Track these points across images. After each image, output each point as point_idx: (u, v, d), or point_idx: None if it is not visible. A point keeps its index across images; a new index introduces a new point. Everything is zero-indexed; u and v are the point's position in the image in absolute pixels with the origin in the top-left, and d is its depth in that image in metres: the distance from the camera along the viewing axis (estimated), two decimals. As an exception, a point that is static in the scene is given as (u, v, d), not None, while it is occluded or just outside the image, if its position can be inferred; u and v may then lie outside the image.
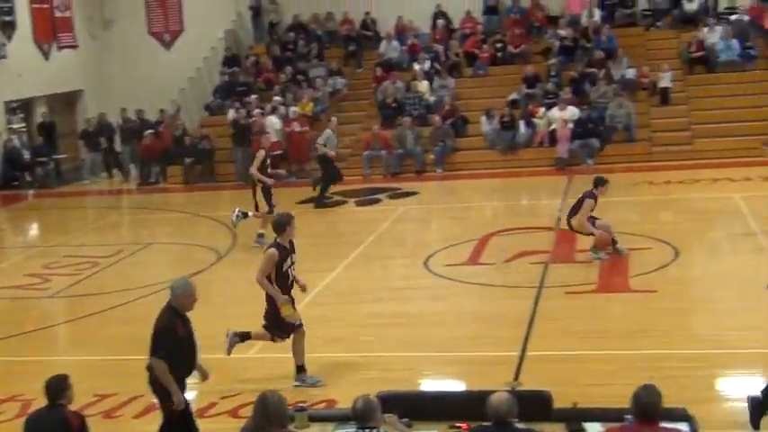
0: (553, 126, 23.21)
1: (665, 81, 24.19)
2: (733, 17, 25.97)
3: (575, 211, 14.13)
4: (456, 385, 9.95)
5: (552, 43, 26.35)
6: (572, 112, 23.15)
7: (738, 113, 23.17)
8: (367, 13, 28.71)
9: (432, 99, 25.48)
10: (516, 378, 9.69)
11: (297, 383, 9.80)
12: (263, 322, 9.90)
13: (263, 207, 16.18)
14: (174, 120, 26.58)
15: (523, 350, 10.57)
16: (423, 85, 25.72)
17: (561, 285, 12.97)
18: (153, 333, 7.63)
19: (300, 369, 9.87)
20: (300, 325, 9.82)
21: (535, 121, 23.72)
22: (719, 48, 24.92)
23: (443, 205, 20.70)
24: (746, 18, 25.84)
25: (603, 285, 13.06)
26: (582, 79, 24.76)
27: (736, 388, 9.50)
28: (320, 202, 20.15)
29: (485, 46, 26.97)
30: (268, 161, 16.51)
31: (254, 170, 16.18)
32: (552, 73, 25.13)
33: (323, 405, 9.11)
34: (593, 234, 13.95)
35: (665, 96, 24.20)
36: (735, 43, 24.90)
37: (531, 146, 23.71)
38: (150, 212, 22.19)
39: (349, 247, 16.10)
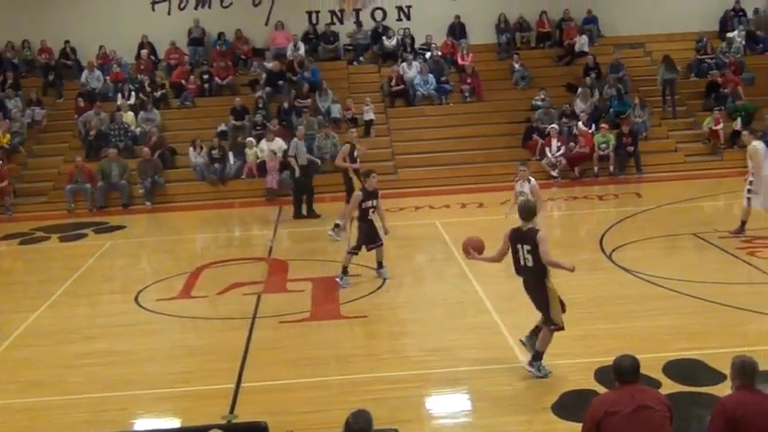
0: (262, 157, 23.34)
1: (368, 114, 25.06)
2: (428, 54, 27.40)
3: None
4: (170, 423, 9.67)
5: (259, 75, 26.59)
6: (279, 143, 23.41)
7: (437, 144, 24.47)
8: (66, 42, 27.64)
9: (138, 130, 24.90)
10: (232, 411, 9.59)
11: None
12: None
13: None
14: None
15: (239, 382, 10.48)
16: (128, 116, 25.09)
17: (275, 315, 13.01)
18: None
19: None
20: None
21: (245, 151, 23.77)
22: (417, 82, 26.22)
23: (153, 238, 20.22)
24: (440, 54, 27.36)
25: (316, 313, 13.22)
26: (289, 111, 25.14)
27: (444, 407, 9.94)
28: (311, 213, 20.29)
29: (191, 77, 26.76)
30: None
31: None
32: (260, 105, 25.33)
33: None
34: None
35: (368, 128, 25.05)
36: (431, 78, 26.29)
37: (241, 177, 23.72)
38: None
39: (53, 285, 15.32)
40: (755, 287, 13.63)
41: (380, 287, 14.29)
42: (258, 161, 23.45)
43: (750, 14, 28.83)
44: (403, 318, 13.08)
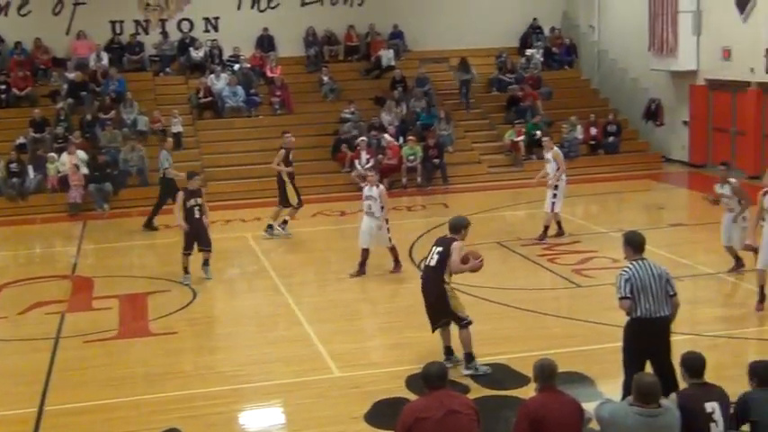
0: (64, 171, 22.51)
1: (176, 126, 24.64)
2: (237, 66, 27.22)
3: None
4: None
5: (60, 86, 25.67)
6: (82, 156, 22.65)
7: (246, 157, 24.29)
8: None
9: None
10: (36, 436, 9.21)
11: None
12: None
13: None
14: None
15: (41, 406, 10.05)
16: None
17: (80, 334, 12.56)
18: None
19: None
20: None
21: (47, 165, 22.85)
22: (226, 94, 25.99)
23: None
24: (249, 66, 27.23)
25: (124, 331, 12.86)
26: (92, 123, 24.38)
27: (259, 421, 9.89)
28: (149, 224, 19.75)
29: (-13, 88, 25.53)
30: None
31: None
32: (61, 117, 24.43)
33: None
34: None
35: (177, 141, 24.62)
36: (240, 90, 26.13)
37: (42, 191, 22.78)
38: None
39: None
40: (556, 292, 14.27)
41: (191, 302, 14.05)
42: (60, 175, 22.58)
43: (547, 32, 30.19)
44: (215, 332, 12.93)
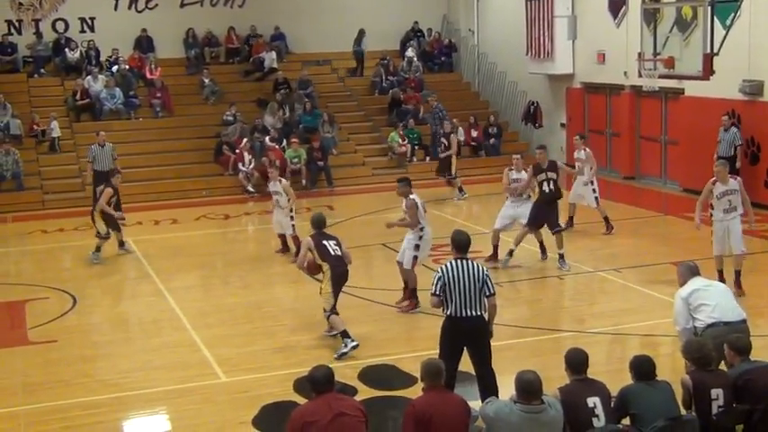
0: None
1: (53, 129, 23.99)
2: (114, 67, 26.64)
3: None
4: None
5: None
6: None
7: (126, 160, 23.74)
8: None
9: None
10: None
11: None
12: None
13: None
14: None
15: None
16: None
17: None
18: None
19: None
20: None
21: None
22: (104, 96, 25.43)
23: None
24: (127, 67, 26.70)
25: (1, 340, 12.44)
26: (-37, 126, 23.53)
27: (142, 429, 9.72)
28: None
29: None
30: None
31: None
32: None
33: None
34: None
35: (53, 144, 23.98)
36: (118, 92, 25.60)
37: None
38: None
39: None
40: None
41: (71, 309, 13.69)
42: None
43: (427, 35, 30.53)
44: (96, 340, 12.62)
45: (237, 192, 23.36)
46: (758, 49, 19.16)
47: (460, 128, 25.65)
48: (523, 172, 15.64)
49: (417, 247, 13.01)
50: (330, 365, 7.21)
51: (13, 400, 10.24)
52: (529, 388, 6.85)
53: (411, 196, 13.04)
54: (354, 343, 11.14)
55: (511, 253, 15.29)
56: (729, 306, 8.79)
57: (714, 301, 8.74)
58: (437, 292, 8.79)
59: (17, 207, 21.68)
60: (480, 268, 8.86)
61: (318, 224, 11.87)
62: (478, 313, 8.76)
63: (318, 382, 6.89)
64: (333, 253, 11.52)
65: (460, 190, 22.19)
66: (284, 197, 16.25)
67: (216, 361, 11.21)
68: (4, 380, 10.89)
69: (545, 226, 15.20)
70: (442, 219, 18.94)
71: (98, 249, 16.61)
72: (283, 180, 16.86)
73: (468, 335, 8.81)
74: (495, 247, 15.46)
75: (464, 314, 8.72)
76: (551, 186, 15.17)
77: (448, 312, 8.82)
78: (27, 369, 11.30)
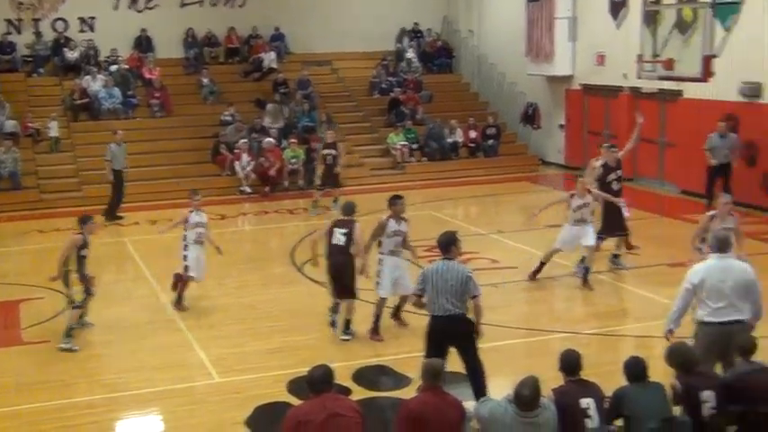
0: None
1: (52, 128, 23.96)
2: (113, 67, 26.62)
3: None
4: None
5: None
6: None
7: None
8: None
9: None
10: None
11: None
12: None
13: None
14: None
15: None
16: None
17: (-52, 344, 12.07)
18: None
19: None
20: None
21: None
22: (102, 96, 25.40)
23: None
24: (126, 67, 26.68)
25: (-5, 340, 12.44)
26: (-40, 125, 23.50)
27: (137, 428, 9.71)
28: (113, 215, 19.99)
29: None
30: None
31: None
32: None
33: None
34: None
35: (53, 144, 23.95)
36: (116, 91, 25.57)
37: None
38: None
39: None
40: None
41: (65, 310, 13.64)
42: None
43: (426, 36, 30.52)
44: (90, 340, 12.56)
45: (233, 192, 23.32)
46: (757, 51, 19.14)
47: (458, 129, 25.65)
48: (588, 196, 14.14)
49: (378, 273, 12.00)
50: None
51: (10, 400, 10.23)
52: (526, 401, 6.80)
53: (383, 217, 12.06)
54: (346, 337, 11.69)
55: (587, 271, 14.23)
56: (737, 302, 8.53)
57: (724, 300, 8.50)
58: (418, 292, 9.03)
59: (13, 206, 21.64)
60: (463, 269, 8.97)
61: (344, 210, 12.14)
62: (460, 312, 8.86)
63: (315, 382, 6.83)
64: (333, 242, 11.78)
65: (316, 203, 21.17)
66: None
67: (210, 361, 11.20)
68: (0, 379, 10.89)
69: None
70: (438, 219, 18.90)
71: (69, 333, 11.98)
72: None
73: (451, 334, 8.91)
74: (543, 264, 14.49)
75: (445, 313, 8.84)
76: (620, 185, 14.88)
77: (433, 312, 8.95)
78: (22, 369, 11.28)
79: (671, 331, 8.73)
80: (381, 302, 12.04)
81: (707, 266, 8.66)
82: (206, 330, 12.51)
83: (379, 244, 11.95)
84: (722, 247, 8.70)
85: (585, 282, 13.96)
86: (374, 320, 12.00)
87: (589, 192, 14.12)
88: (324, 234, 12.01)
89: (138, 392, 10.33)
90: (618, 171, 14.88)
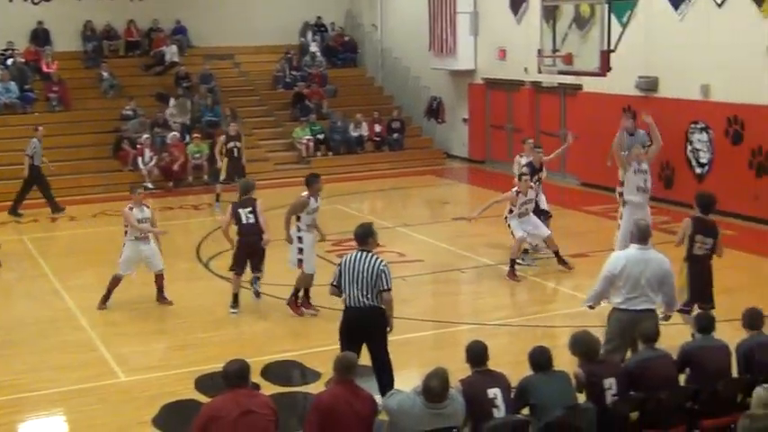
0: None
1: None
2: (9, 61, 25.91)
3: None
4: None
5: None
6: None
7: (20, 156, 22.98)
8: None
9: None
10: None
11: None
12: None
13: None
14: None
15: None
16: None
17: None
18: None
19: None
20: None
21: None
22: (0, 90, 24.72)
23: None
24: (23, 61, 26.01)
25: None
26: None
27: (41, 430, 9.48)
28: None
29: None
30: None
31: None
32: None
33: None
34: None
35: (-57, 139, 23.22)
36: (13, 86, 24.91)
37: None
38: None
39: None
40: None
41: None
42: None
43: (330, 30, 30.51)
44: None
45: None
46: (653, 46, 19.66)
47: (364, 123, 25.70)
48: (531, 192, 14.55)
49: (300, 250, 12.43)
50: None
51: None
52: (434, 392, 6.86)
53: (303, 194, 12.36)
54: (234, 311, 12.54)
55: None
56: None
57: (638, 290, 8.88)
58: (334, 282, 9.06)
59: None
60: (377, 261, 8.95)
61: (243, 190, 12.84)
62: (372, 304, 8.88)
63: (230, 377, 6.76)
64: (243, 222, 12.48)
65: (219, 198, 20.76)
66: None
67: (115, 360, 11.02)
68: None
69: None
70: (345, 213, 18.94)
71: None
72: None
73: (362, 325, 8.93)
74: (557, 253, 14.60)
75: (358, 304, 8.88)
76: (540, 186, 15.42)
77: (346, 302, 9.00)
78: None
79: (591, 307, 9.44)
80: (309, 278, 12.48)
81: (627, 256, 9.09)
82: (110, 328, 12.31)
83: (298, 219, 12.33)
84: (642, 237, 9.09)
85: (514, 274, 14.20)
86: (294, 293, 12.49)
87: (531, 188, 14.57)
88: (229, 219, 12.65)
89: (41, 393, 10.10)
90: (540, 173, 15.32)
